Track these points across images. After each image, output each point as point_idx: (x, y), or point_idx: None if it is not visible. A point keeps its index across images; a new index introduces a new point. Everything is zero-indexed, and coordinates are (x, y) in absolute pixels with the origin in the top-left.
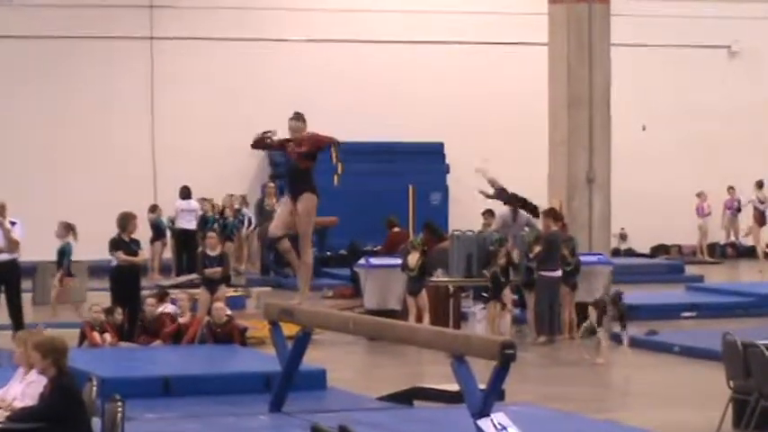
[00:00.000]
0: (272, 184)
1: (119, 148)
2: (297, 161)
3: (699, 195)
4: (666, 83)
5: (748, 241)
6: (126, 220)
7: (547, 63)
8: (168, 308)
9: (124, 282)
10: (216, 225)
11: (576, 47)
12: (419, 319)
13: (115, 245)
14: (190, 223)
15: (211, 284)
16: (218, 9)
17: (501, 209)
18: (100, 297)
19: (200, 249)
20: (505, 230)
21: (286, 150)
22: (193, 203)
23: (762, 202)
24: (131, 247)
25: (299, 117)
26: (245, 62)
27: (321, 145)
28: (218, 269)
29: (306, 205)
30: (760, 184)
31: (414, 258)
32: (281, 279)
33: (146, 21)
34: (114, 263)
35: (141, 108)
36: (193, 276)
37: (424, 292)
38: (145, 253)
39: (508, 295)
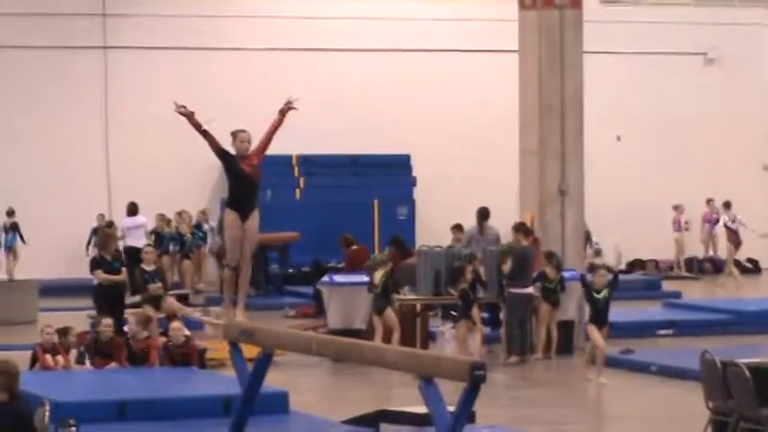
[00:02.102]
0: None
1: (71, 160)
2: (253, 175)
3: (675, 208)
4: (641, 91)
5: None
6: (106, 239)
7: (517, 71)
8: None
9: (107, 301)
10: (172, 243)
11: (547, 54)
12: (386, 339)
13: (95, 264)
14: (139, 240)
15: (155, 301)
16: (174, 17)
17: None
18: (51, 317)
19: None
20: (473, 246)
21: (227, 158)
22: (139, 219)
23: (733, 221)
24: (113, 265)
25: (245, 129)
26: (203, 72)
27: (270, 140)
28: (160, 284)
29: (256, 222)
30: (728, 205)
31: (378, 275)
32: None
33: (99, 30)
34: (95, 281)
35: (95, 120)
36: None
37: (389, 311)
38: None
39: (477, 313)
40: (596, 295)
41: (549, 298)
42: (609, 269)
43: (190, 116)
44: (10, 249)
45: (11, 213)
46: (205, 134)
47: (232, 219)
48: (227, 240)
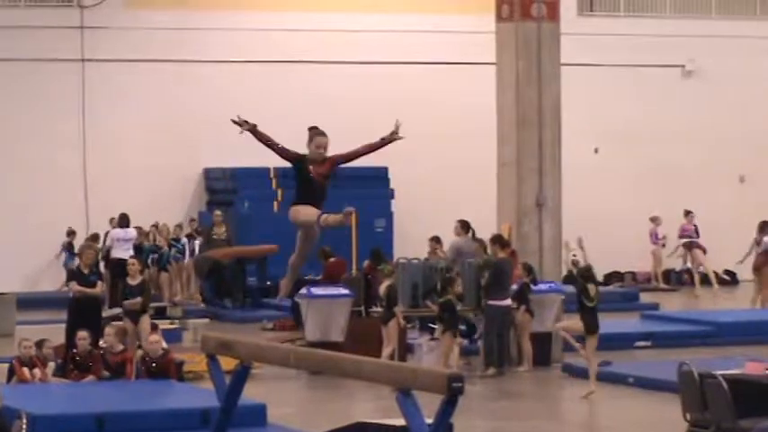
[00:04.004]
0: (218, 212)
1: (49, 172)
2: (321, 183)
3: (653, 220)
4: (619, 103)
5: (704, 269)
6: (81, 250)
7: (495, 83)
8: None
9: (82, 314)
10: (152, 255)
11: (524, 66)
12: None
13: (70, 276)
14: (126, 252)
15: (134, 315)
16: (152, 30)
17: (454, 237)
18: (29, 331)
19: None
20: (459, 259)
21: (299, 163)
22: (131, 232)
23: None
24: (89, 278)
25: (324, 132)
26: (181, 84)
27: (354, 158)
28: (139, 300)
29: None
30: (687, 213)
31: (383, 287)
32: (218, 310)
33: (77, 42)
34: (71, 294)
35: (72, 132)
36: (120, 310)
37: (393, 322)
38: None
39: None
40: (589, 304)
41: (529, 307)
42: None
43: (254, 130)
44: None
45: None
46: (273, 146)
47: (306, 208)
48: (304, 217)
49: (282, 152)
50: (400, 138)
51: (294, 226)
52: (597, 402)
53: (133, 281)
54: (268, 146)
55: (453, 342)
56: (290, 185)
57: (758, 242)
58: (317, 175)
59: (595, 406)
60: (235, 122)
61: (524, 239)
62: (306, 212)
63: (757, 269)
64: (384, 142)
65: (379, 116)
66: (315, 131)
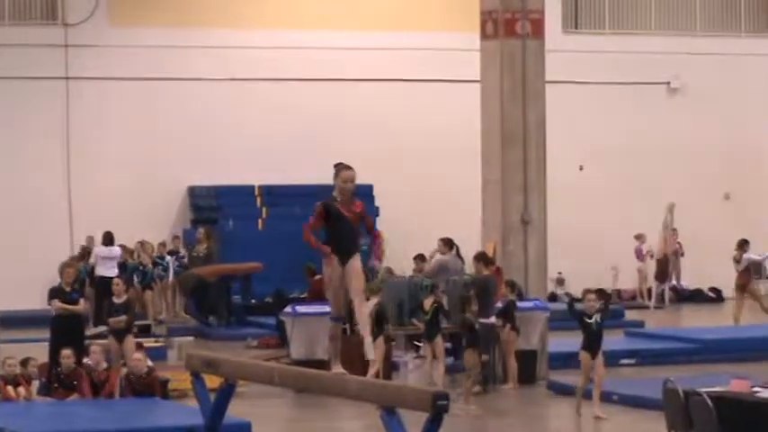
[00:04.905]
0: (202, 230)
1: (33, 190)
2: (353, 220)
3: (638, 237)
4: (604, 120)
5: (691, 285)
6: (61, 268)
7: (480, 101)
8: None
9: (64, 332)
10: (135, 273)
11: (509, 83)
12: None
13: (52, 294)
14: (111, 270)
15: (119, 334)
16: (135, 48)
17: (440, 255)
18: (12, 349)
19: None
20: (442, 276)
21: (328, 210)
22: (116, 250)
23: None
24: (71, 296)
25: (350, 166)
26: (165, 102)
27: (366, 220)
28: (123, 318)
29: (358, 263)
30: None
31: (428, 302)
32: (203, 328)
33: (61, 60)
34: (54, 312)
35: (57, 150)
36: (105, 328)
37: (439, 338)
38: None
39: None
40: (588, 320)
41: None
42: (599, 294)
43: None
44: None
45: None
46: (313, 228)
47: (331, 269)
48: (330, 292)
49: (316, 226)
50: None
51: (276, 246)
52: (582, 420)
53: (118, 299)
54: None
55: (478, 359)
56: (275, 203)
57: (737, 260)
58: (349, 214)
59: (580, 424)
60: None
61: (510, 257)
62: (331, 286)
63: (740, 288)
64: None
65: (365, 134)
66: (341, 166)
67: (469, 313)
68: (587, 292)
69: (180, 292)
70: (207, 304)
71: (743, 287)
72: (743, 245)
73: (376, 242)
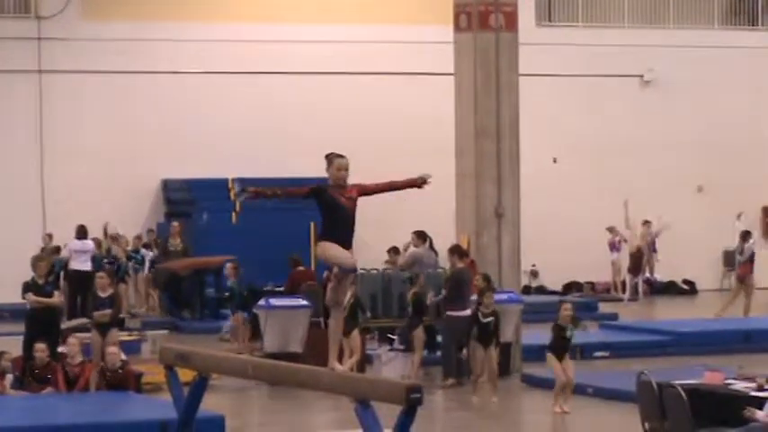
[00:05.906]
0: (176, 224)
1: (5, 184)
2: (350, 208)
3: (610, 230)
4: (577, 113)
5: (664, 278)
6: (33, 262)
7: (453, 93)
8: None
9: (39, 325)
10: (106, 266)
11: (482, 76)
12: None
13: (26, 287)
14: (84, 264)
15: (102, 327)
16: (109, 41)
17: (414, 248)
18: None
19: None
20: (416, 268)
21: (320, 194)
22: (89, 244)
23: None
24: (45, 289)
25: (343, 155)
26: (139, 96)
27: (379, 192)
28: (108, 312)
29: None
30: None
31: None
32: (177, 321)
33: (34, 54)
34: (28, 306)
35: (30, 143)
36: (85, 320)
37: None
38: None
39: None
40: (565, 333)
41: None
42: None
43: (259, 195)
44: None
45: None
46: (282, 194)
47: (336, 247)
48: (334, 259)
49: (296, 194)
50: (425, 183)
51: (250, 239)
52: (557, 412)
53: (103, 293)
54: (277, 197)
55: (485, 352)
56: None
57: (740, 251)
58: (346, 201)
59: (555, 416)
60: (238, 197)
61: (483, 250)
62: (336, 253)
63: (741, 278)
64: (409, 184)
65: (337, 127)
66: (333, 155)
67: (418, 288)
68: (562, 303)
69: (153, 286)
70: (180, 298)
71: (743, 278)
72: (746, 236)
73: (388, 183)
